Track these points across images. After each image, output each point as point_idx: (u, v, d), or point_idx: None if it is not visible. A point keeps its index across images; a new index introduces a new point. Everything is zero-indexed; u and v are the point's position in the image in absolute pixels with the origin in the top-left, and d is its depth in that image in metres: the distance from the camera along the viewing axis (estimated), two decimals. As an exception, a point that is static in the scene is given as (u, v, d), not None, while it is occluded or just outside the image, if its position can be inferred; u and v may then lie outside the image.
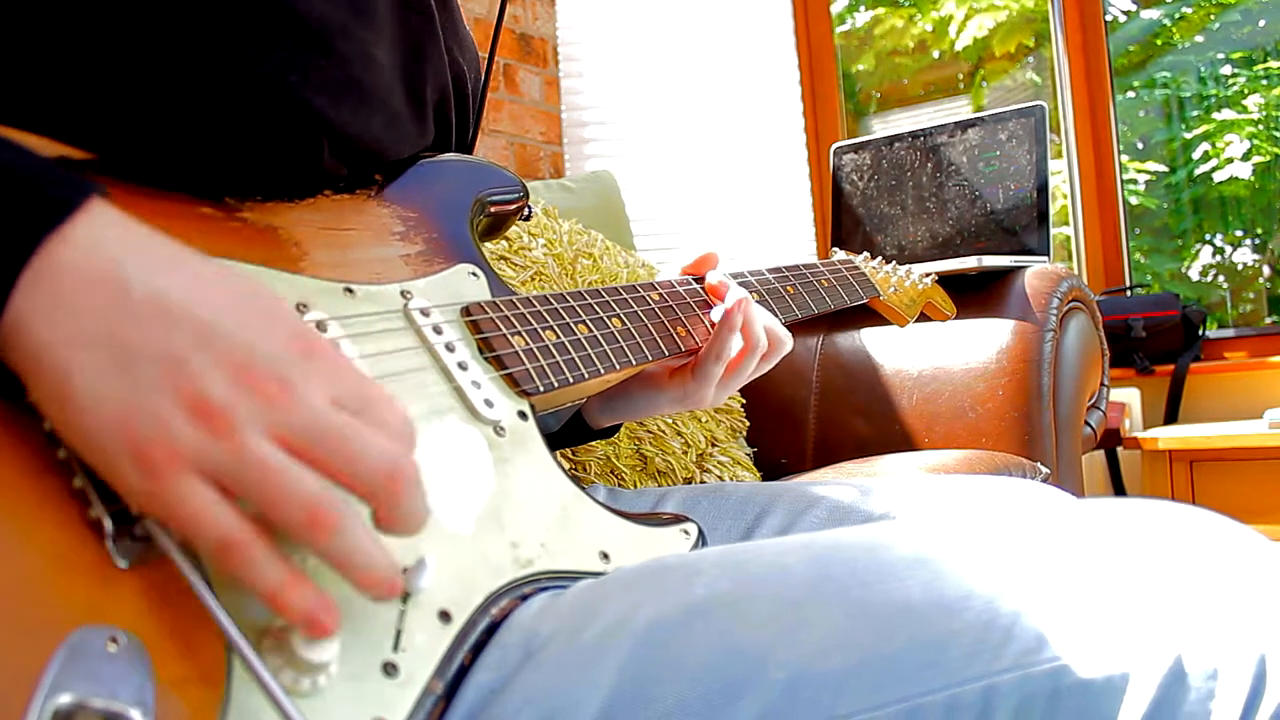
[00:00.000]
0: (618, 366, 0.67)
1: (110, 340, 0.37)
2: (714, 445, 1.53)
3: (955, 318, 1.20)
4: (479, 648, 0.46)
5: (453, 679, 0.44)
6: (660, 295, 0.75)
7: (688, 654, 0.42)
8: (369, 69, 0.60)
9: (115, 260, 0.39)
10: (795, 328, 0.83)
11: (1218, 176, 3.20)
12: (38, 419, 0.39)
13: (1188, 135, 3.29)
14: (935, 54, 3.83)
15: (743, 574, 0.46)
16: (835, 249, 1.09)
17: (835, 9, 2.86)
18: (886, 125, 3.76)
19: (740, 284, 0.82)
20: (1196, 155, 3.27)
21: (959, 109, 3.70)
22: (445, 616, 0.46)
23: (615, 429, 0.86)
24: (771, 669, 0.41)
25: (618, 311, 0.70)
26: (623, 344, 0.68)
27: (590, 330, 0.66)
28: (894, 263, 1.09)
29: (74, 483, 0.39)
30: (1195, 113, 3.27)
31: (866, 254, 1.05)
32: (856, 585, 0.43)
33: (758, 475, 1.57)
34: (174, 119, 0.52)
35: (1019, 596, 0.41)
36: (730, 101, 2.40)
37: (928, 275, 1.13)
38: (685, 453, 1.47)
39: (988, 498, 0.70)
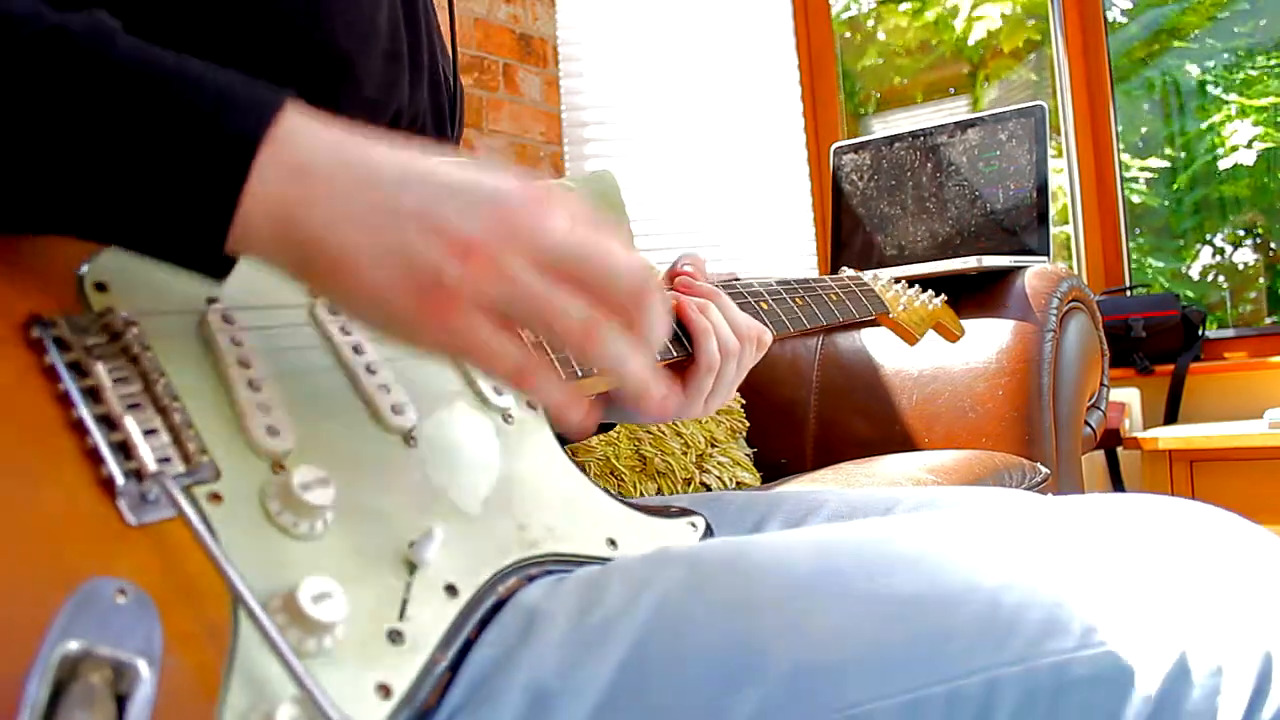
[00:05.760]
0: None
1: (372, 212, 0.41)
2: (714, 446, 1.54)
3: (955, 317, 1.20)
4: (485, 623, 0.46)
5: (458, 652, 0.44)
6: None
7: (690, 642, 0.42)
8: (378, 11, 0.63)
9: (355, 148, 0.42)
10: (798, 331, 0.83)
11: (1223, 164, 3.18)
12: (52, 381, 0.40)
13: (1191, 127, 3.28)
14: (936, 46, 3.82)
15: (747, 564, 0.46)
16: (844, 268, 1.09)
17: (835, 8, 2.86)
18: (887, 125, 3.76)
19: (749, 293, 0.82)
20: (1201, 145, 3.25)
21: (960, 109, 3.70)
22: (451, 590, 0.46)
23: (612, 425, 0.86)
24: (773, 660, 0.41)
25: None
26: None
27: None
28: (903, 281, 1.09)
29: (86, 442, 0.39)
30: (1199, 103, 3.26)
31: (875, 273, 1.05)
32: (860, 578, 0.43)
33: (757, 476, 1.57)
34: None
35: (1022, 590, 0.41)
36: (730, 101, 2.40)
37: (938, 296, 1.13)
38: (685, 453, 1.47)
39: (985, 506, 0.70)
